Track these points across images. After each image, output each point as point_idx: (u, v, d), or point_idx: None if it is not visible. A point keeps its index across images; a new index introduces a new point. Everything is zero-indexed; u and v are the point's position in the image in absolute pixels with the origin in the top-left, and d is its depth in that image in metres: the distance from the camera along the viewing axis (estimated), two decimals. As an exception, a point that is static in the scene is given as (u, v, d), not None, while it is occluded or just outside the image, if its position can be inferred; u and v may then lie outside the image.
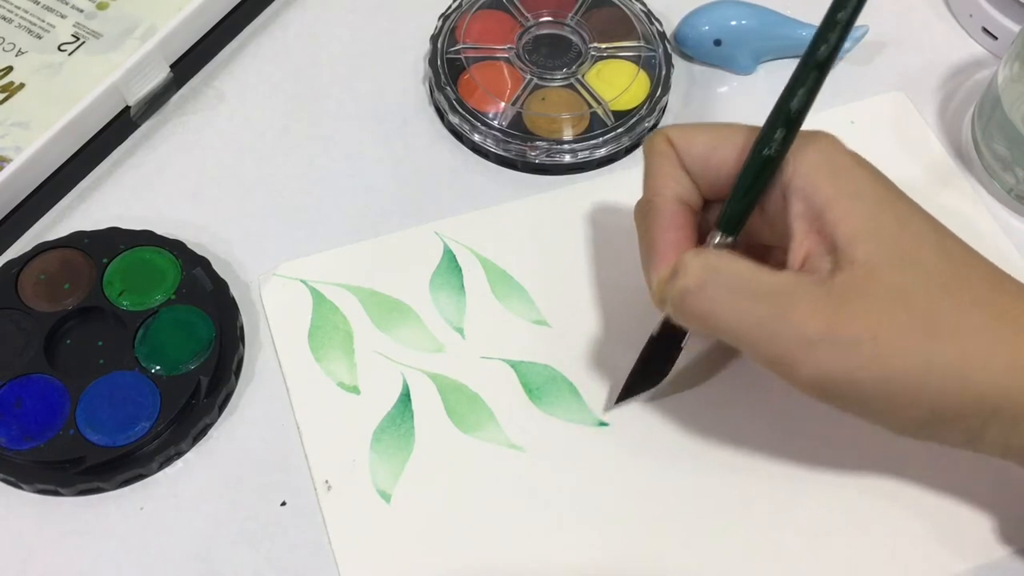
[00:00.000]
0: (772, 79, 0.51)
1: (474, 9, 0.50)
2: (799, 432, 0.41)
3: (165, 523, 0.39)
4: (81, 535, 0.38)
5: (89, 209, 0.46)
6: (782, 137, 0.34)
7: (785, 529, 0.39)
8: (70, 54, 0.48)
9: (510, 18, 0.50)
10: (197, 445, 0.40)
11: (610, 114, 0.47)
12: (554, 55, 0.49)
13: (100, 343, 0.41)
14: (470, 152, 0.48)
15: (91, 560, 0.38)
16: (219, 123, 0.49)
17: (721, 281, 0.33)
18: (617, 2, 0.51)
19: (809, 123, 0.35)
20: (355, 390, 0.41)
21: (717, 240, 0.36)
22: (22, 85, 0.47)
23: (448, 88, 0.48)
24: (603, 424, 0.41)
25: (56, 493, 0.39)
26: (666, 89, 0.48)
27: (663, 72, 0.49)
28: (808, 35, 0.49)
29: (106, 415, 0.39)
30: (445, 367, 0.42)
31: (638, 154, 0.48)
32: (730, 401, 0.41)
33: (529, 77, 0.48)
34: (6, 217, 0.44)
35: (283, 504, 0.39)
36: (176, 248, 0.43)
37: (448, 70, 0.48)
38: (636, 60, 0.49)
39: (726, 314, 0.33)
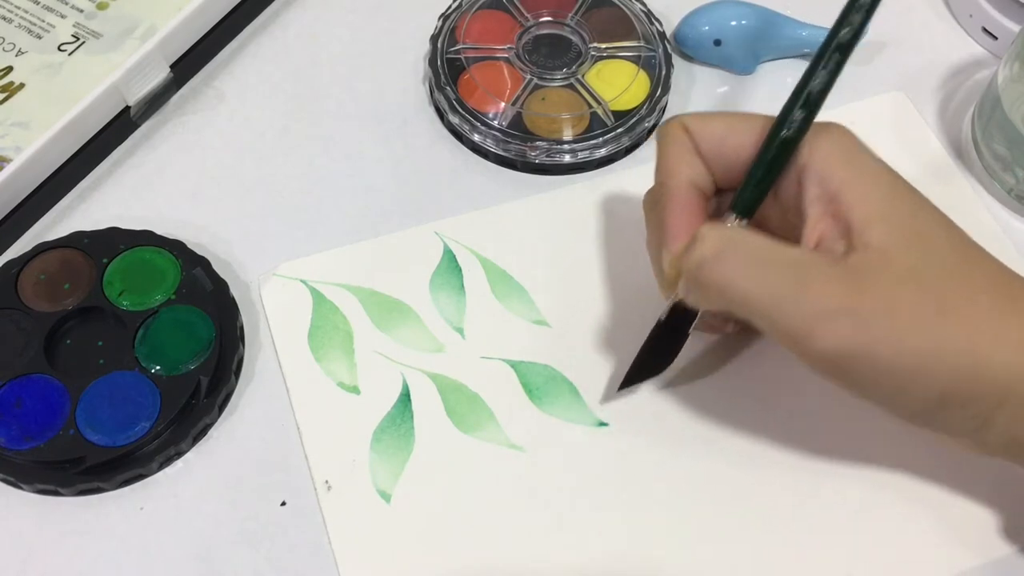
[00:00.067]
0: (772, 79, 0.51)
1: (474, 9, 0.50)
2: (800, 432, 0.41)
3: (165, 523, 0.39)
4: (81, 535, 0.38)
5: (89, 209, 0.46)
6: (801, 118, 0.35)
7: (786, 528, 0.39)
8: (70, 54, 0.48)
9: (510, 18, 0.50)
10: (197, 445, 0.40)
11: (610, 114, 0.47)
12: (554, 55, 0.49)
13: (100, 343, 0.41)
14: (470, 152, 0.48)
15: (91, 560, 0.38)
16: (219, 123, 0.49)
17: (739, 251, 0.33)
18: (617, 2, 0.51)
19: (810, 123, 0.35)
20: (355, 390, 0.41)
21: (731, 223, 0.36)
22: (22, 85, 0.47)
23: (448, 88, 0.48)
24: (603, 424, 0.41)
25: (56, 493, 0.39)
26: (666, 89, 0.48)
27: (663, 72, 0.49)
28: (808, 35, 0.50)
29: (106, 415, 0.39)
30: (445, 367, 0.42)
31: (638, 154, 0.48)
32: (730, 401, 0.41)
33: (529, 77, 0.48)
34: (6, 217, 0.44)
35: (283, 504, 0.39)
36: (176, 248, 0.43)
37: (448, 70, 0.48)
38: (636, 60, 0.49)
39: (743, 284, 0.33)
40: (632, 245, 0.45)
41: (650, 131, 0.48)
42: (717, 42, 0.49)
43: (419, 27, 0.51)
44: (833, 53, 0.35)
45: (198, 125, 0.49)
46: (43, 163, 0.45)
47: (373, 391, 0.41)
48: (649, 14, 0.50)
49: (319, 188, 0.47)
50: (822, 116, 0.36)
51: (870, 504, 0.39)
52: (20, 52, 0.48)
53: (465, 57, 0.49)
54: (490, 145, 0.47)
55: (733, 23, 0.49)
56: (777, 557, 0.38)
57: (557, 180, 0.47)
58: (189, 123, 0.49)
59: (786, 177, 0.35)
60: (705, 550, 0.38)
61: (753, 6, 0.50)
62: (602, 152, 0.47)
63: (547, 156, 0.47)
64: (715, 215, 0.38)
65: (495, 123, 0.47)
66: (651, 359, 0.40)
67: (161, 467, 0.40)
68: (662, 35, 0.50)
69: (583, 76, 0.48)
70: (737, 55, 0.50)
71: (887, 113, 0.50)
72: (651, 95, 0.48)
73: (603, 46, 0.49)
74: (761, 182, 0.35)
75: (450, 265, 0.45)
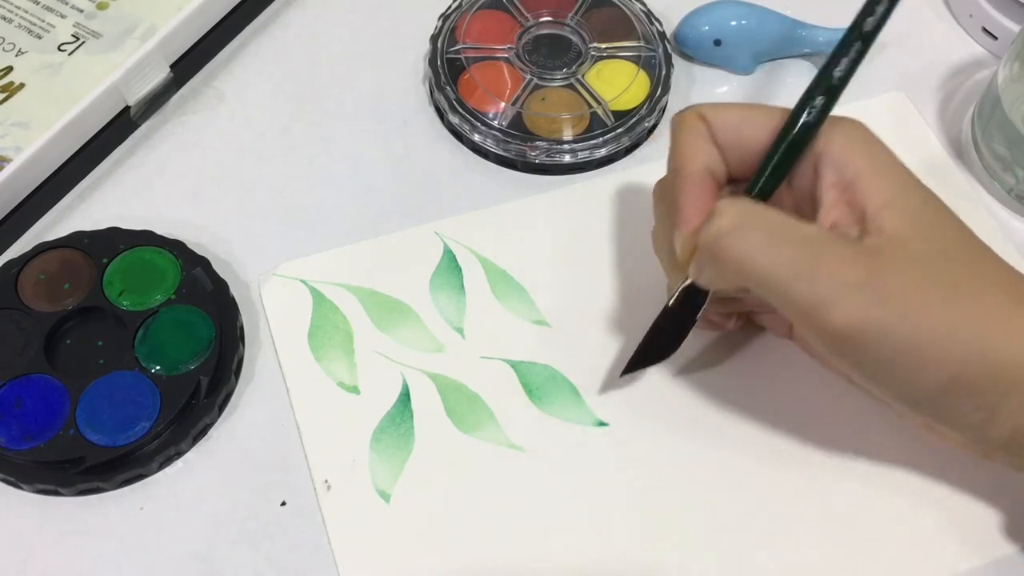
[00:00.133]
0: (772, 79, 0.51)
1: (474, 9, 0.50)
2: (800, 433, 0.41)
3: (165, 523, 0.39)
4: (81, 535, 0.38)
5: (89, 209, 0.46)
6: (822, 104, 0.35)
7: (787, 528, 0.39)
8: (70, 54, 0.48)
9: (510, 18, 0.50)
10: (197, 445, 0.40)
11: (610, 114, 0.47)
12: (554, 55, 0.49)
13: (100, 343, 0.41)
14: (470, 152, 0.48)
15: (91, 560, 0.38)
16: (219, 123, 0.49)
17: (758, 224, 0.34)
18: (617, 2, 0.51)
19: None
20: (355, 390, 0.41)
21: None
22: (22, 85, 0.47)
23: (448, 88, 0.48)
24: (603, 424, 0.41)
25: (56, 493, 0.39)
26: (666, 89, 0.48)
27: (663, 72, 0.49)
28: (808, 35, 0.50)
29: (106, 415, 0.39)
30: (445, 367, 0.42)
31: (638, 154, 0.48)
32: (730, 401, 0.41)
33: (529, 77, 0.48)
34: (6, 217, 0.44)
35: (283, 504, 0.39)
36: (176, 248, 0.43)
37: (448, 70, 0.48)
38: (636, 60, 0.49)
39: (761, 257, 0.33)
40: (632, 245, 0.45)
41: (650, 131, 0.48)
42: (717, 42, 0.50)
43: (419, 27, 0.51)
44: (855, 42, 0.36)
45: (198, 125, 0.49)
46: (43, 163, 0.45)
47: (373, 391, 0.41)
48: (649, 14, 0.50)
49: (319, 188, 0.47)
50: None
51: (872, 504, 0.39)
52: (20, 52, 0.48)
53: (465, 57, 0.49)
54: (490, 145, 0.47)
55: (733, 23, 0.49)
56: (777, 557, 0.38)
57: (557, 180, 0.47)
58: (189, 123, 0.49)
59: (801, 165, 0.36)
60: (705, 550, 0.38)
61: (753, 6, 0.50)
62: (602, 152, 0.47)
63: (547, 156, 0.47)
64: None
65: (495, 123, 0.47)
66: (656, 346, 0.40)
67: (161, 467, 0.40)
68: (662, 35, 0.50)
69: (583, 76, 0.48)
70: (737, 55, 0.50)
71: (887, 113, 0.50)
72: (651, 95, 0.48)
73: (603, 46, 0.49)
74: (779, 166, 0.36)
75: (450, 265, 0.45)
